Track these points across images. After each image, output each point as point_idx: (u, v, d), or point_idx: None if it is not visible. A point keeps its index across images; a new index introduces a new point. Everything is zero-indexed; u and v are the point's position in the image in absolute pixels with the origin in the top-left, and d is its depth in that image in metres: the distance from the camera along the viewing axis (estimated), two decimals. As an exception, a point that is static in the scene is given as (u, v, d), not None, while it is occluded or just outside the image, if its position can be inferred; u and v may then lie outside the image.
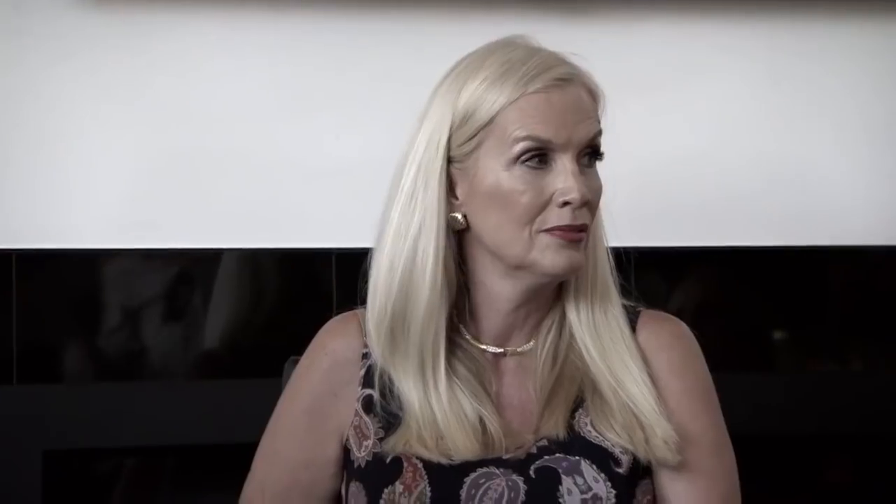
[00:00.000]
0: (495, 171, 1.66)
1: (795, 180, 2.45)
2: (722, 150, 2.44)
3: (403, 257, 1.70)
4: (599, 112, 1.71)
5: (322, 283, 2.35)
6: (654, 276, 2.38)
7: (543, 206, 1.66)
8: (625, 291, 1.77)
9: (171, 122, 2.36)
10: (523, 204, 1.65)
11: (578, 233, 1.66)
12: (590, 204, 1.67)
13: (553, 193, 1.65)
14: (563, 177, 1.65)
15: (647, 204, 2.39)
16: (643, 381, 1.69)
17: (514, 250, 1.67)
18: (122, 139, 2.35)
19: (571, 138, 1.65)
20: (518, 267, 1.69)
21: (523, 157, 1.65)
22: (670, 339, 1.75)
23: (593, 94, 1.70)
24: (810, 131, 2.46)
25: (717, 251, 2.43)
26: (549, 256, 1.66)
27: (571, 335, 1.73)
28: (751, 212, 2.44)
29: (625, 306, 1.75)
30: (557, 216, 1.65)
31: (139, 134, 2.35)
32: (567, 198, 1.65)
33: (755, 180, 2.44)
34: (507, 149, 1.66)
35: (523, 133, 1.65)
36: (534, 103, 1.66)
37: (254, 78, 2.38)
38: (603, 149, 1.71)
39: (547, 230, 1.66)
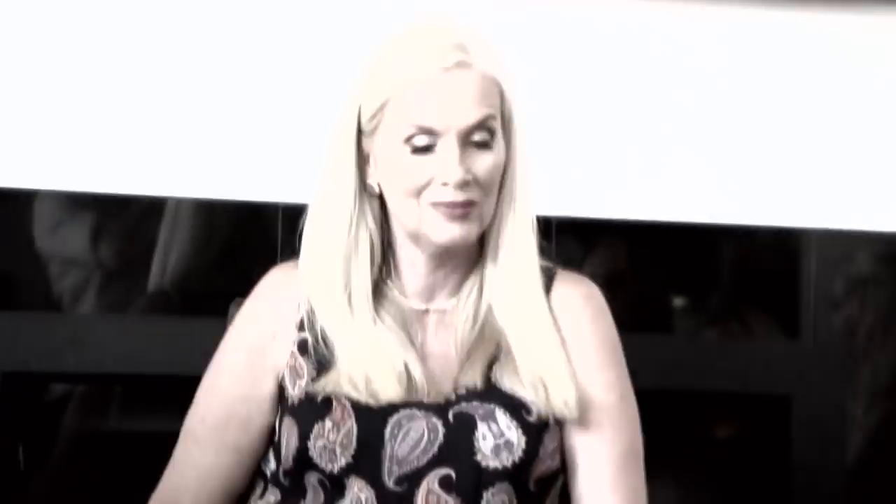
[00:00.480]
0: (390, 149, 1.74)
1: (704, 163, 2.47)
2: (644, 132, 2.46)
3: (317, 215, 1.78)
4: (506, 95, 1.75)
5: (269, 234, 2.38)
6: (571, 244, 2.42)
7: (428, 184, 1.72)
8: (546, 253, 1.81)
9: (128, 69, 2.37)
10: (410, 181, 1.72)
11: (461, 208, 1.72)
12: (477, 182, 1.72)
13: (436, 174, 1.72)
14: (442, 159, 1.72)
15: (571, 176, 2.42)
16: (548, 342, 1.76)
17: (409, 220, 1.75)
18: (78, 88, 2.36)
19: (453, 124, 1.71)
20: (415, 235, 1.76)
21: (410, 140, 1.72)
22: (581, 300, 1.81)
23: (491, 80, 1.74)
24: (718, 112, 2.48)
25: (630, 225, 2.46)
26: (437, 228, 1.73)
27: (490, 296, 1.79)
28: (662, 189, 2.47)
29: (542, 268, 1.80)
30: (441, 193, 1.72)
31: (95, 82, 2.36)
32: (444, 179, 1.71)
33: (668, 161, 2.47)
34: (398, 131, 1.73)
35: (407, 119, 1.72)
36: (419, 90, 1.71)
37: (208, 27, 2.38)
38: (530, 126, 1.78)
39: (432, 204, 1.73)
